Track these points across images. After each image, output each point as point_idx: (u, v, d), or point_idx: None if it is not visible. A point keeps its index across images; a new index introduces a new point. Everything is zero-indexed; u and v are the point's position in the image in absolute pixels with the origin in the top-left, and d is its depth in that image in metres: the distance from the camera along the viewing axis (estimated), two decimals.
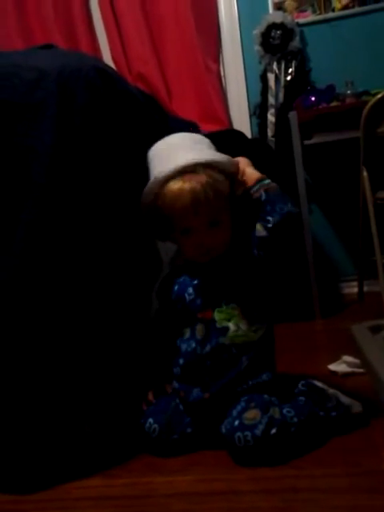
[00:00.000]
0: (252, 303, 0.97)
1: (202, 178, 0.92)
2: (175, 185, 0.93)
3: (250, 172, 0.98)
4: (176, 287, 1.02)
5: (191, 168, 0.92)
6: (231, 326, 0.94)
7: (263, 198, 0.94)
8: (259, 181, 0.96)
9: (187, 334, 0.98)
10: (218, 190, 0.93)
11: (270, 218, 0.92)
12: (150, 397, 1.02)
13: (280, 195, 0.95)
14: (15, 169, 0.91)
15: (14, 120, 0.93)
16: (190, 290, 0.98)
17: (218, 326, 0.95)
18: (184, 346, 0.98)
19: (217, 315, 0.95)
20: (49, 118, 0.93)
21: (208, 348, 0.94)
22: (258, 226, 0.95)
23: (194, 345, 0.96)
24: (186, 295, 0.98)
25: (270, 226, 0.92)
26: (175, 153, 0.96)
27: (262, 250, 0.95)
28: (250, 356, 0.94)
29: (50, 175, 0.89)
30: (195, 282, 0.99)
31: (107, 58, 2.64)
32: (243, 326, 0.95)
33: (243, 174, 0.98)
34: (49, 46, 1.21)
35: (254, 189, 0.96)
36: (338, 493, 0.74)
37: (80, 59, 1.06)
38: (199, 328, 0.96)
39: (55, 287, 0.90)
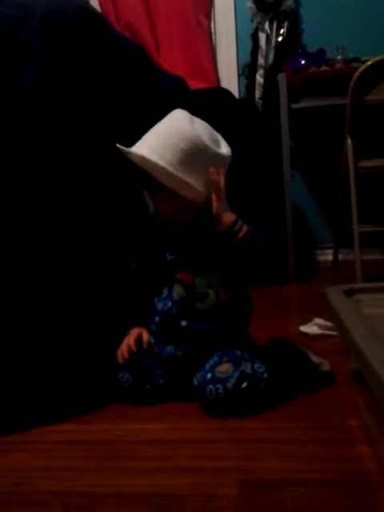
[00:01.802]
0: (232, 272, 0.98)
1: None
2: None
3: (224, 216, 0.92)
4: (156, 246, 1.01)
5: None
6: (211, 292, 0.95)
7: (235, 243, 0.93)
8: (232, 225, 0.92)
9: (165, 292, 0.98)
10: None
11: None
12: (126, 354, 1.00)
13: (250, 243, 0.93)
14: None
15: None
16: (172, 250, 0.98)
17: (197, 290, 0.95)
18: (160, 305, 0.98)
19: (197, 280, 0.95)
20: (33, 57, 0.89)
21: (184, 310, 0.95)
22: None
23: (169, 304, 0.96)
24: (167, 255, 0.98)
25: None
26: (164, 143, 0.90)
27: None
28: (225, 320, 0.96)
29: (32, 116, 0.86)
30: (178, 242, 0.98)
31: (94, 3, 2.53)
32: (222, 295, 0.96)
33: (217, 215, 0.92)
34: None
35: (228, 233, 0.92)
36: (303, 444, 0.77)
37: None
38: (178, 289, 0.96)
39: (31, 231, 0.88)
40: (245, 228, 0.92)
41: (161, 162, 0.88)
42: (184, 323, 0.95)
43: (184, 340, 0.96)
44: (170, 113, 0.96)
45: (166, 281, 0.98)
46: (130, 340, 1.00)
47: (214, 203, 0.91)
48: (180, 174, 0.88)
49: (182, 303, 0.95)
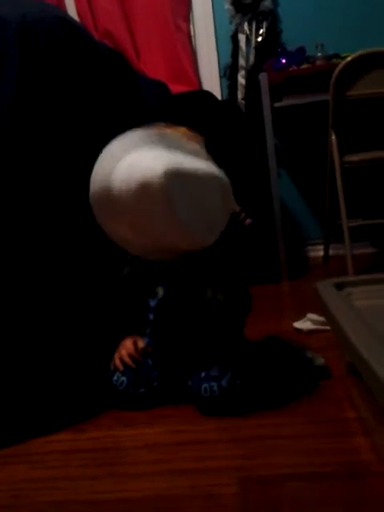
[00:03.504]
0: (230, 272, 0.98)
1: None
2: None
3: None
4: None
5: None
6: (208, 291, 0.95)
7: None
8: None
9: (161, 292, 0.98)
10: None
11: None
12: (127, 359, 0.98)
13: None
14: None
15: None
16: None
17: (195, 288, 0.95)
18: (154, 302, 0.98)
19: (195, 278, 0.96)
20: (10, 67, 0.89)
21: (181, 307, 0.95)
22: None
23: (165, 301, 0.97)
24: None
25: None
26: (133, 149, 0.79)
27: None
28: (223, 319, 0.96)
29: (11, 125, 0.86)
30: None
31: (72, 13, 2.53)
32: (219, 294, 0.96)
33: None
34: None
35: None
36: (301, 439, 0.77)
37: (42, 9, 1.02)
38: (173, 285, 0.97)
39: (14, 240, 0.88)
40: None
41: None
42: (180, 320, 0.95)
43: (180, 336, 0.95)
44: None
45: (162, 279, 0.98)
46: (129, 347, 0.98)
47: None
48: None
49: (178, 299, 0.96)
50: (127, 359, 0.97)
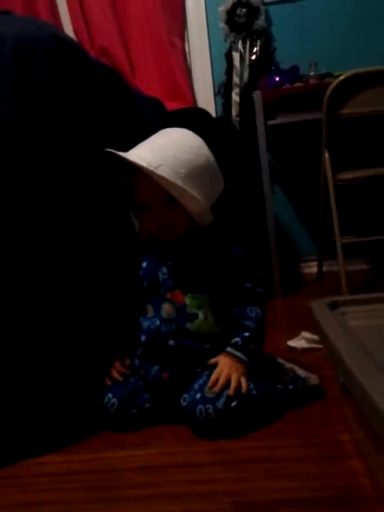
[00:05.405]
0: (223, 298, 0.97)
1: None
2: None
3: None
4: (144, 263, 1.00)
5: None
6: (200, 314, 0.94)
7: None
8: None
9: (151, 312, 0.97)
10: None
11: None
12: (115, 374, 1.00)
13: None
14: None
15: None
16: (164, 269, 0.97)
17: (187, 311, 0.94)
18: (146, 324, 0.96)
19: (188, 300, 0.95)
20: (5, 85, 0.89)
21: (173, 329, 0.94)
22: None
23: (158, 323, 0.95)
24: (160, 274, 0.97)
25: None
26: (162, 151, 0.90)
27: None
28: (213, 345, 0.95)
29: (6, 143, 0.86)
30: (170, 262, 0.97)
31: (68, 30, 2.55)
32: (211, 318, 0.95)
33: None
34: (6, 13, 1.16)
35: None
36: (294, 462, 0.76)
37: (39, 27, 1.02)
38: (167, 308, 0.95)
39: (13, 259, 0.87)
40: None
41: (171, 176, 0.87)
42: (171, 342, 0.94)
43: (170, 360, 0.94)
44: (172, 129, 0.98)
45: (154, 299, 0.97)
46: (116, 365, 1.01)
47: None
48: (187, 187, 0.89)
49: (171, 322, 0.94)
50: (115, 374, 0.99)
